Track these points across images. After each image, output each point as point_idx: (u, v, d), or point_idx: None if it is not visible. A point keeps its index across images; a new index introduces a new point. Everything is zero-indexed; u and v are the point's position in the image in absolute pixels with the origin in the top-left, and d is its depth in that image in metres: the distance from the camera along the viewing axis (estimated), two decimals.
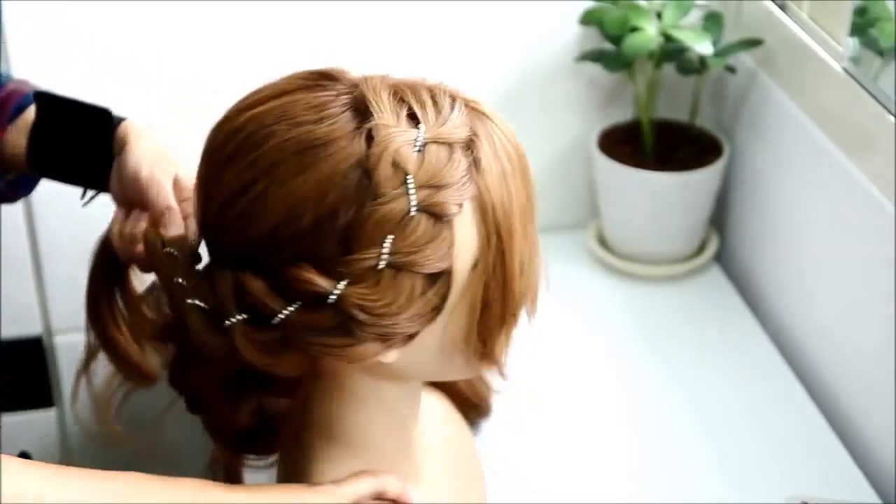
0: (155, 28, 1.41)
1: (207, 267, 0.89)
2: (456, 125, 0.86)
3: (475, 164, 0.85)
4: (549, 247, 0.96)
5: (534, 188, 0.90)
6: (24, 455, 1.30)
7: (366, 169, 0.83)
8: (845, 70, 1.29)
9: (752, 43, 1.46)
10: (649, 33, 1.44)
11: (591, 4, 1.50)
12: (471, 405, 1.21)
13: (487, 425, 1.26)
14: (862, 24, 1.26)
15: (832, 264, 1.35)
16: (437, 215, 0.84)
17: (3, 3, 1.36)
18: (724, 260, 1.59)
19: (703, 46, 1.43)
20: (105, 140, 1.08)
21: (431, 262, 0.84)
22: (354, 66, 0.92)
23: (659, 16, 1.46)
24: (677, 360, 1.42)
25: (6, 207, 1.34)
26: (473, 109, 0.88)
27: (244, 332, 0.86)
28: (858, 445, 1.30)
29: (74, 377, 1.07)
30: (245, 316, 0.86)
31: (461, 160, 0.85)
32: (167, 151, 1.06)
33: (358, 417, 0.94)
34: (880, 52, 1.25)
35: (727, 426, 1.33)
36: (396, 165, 0.83)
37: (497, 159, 0.86)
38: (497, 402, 1.28)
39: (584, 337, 1.45)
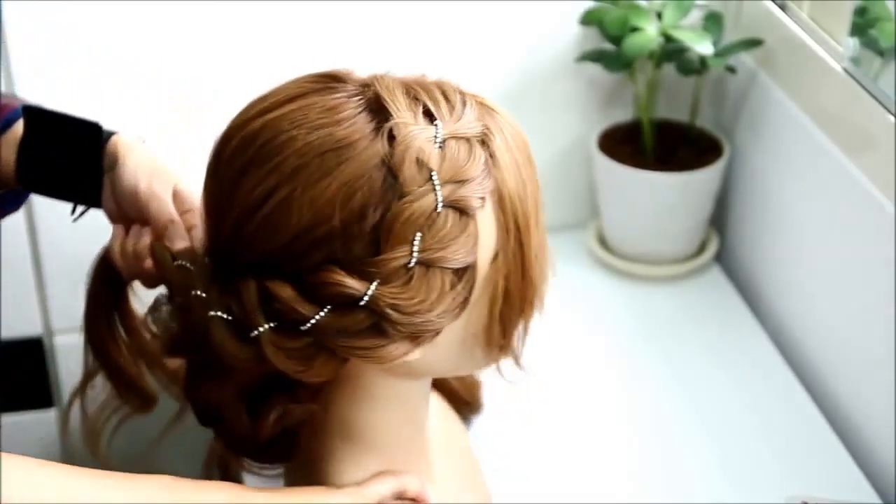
0: (155, 28, 1.41)
1: (227, 277, 0.87)
2: (470, 120, 0.87)
3: (491, 157, 0.86)
4: (550, 247, 0.96)
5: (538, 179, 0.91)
6: None
7: (390, 168, 0.83)
8: (845, 70, 1.29)
9: (752, 43, 1.46)
10: (649, 33, 1.44)
11: (591, 4, 1.50)
12: (462, 402, 1.21)
13: (487, 425, 1.26)
14: (862, 24, 1.26)
15: (832, 264, 1.35)
16: (463, 210, 0.85)
17: (2, 3, 1.36)
18: (724, 260, 1.59)
19: (703, 46, 1.43)
20: (95, 155, 1.07)
21: (460, 256, 0.85)
22: (354, 67, 0.92)
23: (659, 16, 1.46)
24: (677, 360, 1.42)
25: None
26: (481, 104, 0.89)
27: (273, 341, 0.85)
28: (858, 445, 1.30)
29: (69, 398, 1.07)
30: (273, 324, 0.85)
31: (481, 154, 0.86)
32: (162, 163, 1.06)
33: (374, 417, 0.94)
34: (880, 52, 1.25)
35: (727, 426, 1.33)
36: (421, 163, 0.83)
37: (509, 152, 0.88)
38: (496, 401, 1.28)
39: (584, 337, 1.45)
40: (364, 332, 0.85)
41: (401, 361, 0.87)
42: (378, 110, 0.85)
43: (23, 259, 1.48)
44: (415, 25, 1.47)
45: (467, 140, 0.86)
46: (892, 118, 1.21)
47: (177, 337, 0.91)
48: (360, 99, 0.86)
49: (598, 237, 1.59)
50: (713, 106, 1.58)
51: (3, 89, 1.38)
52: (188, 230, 1.02)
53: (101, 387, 1.07)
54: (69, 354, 1.54)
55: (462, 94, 0.89)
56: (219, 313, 0.86)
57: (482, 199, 0.85)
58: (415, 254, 0.83)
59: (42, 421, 1.58)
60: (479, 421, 1.28)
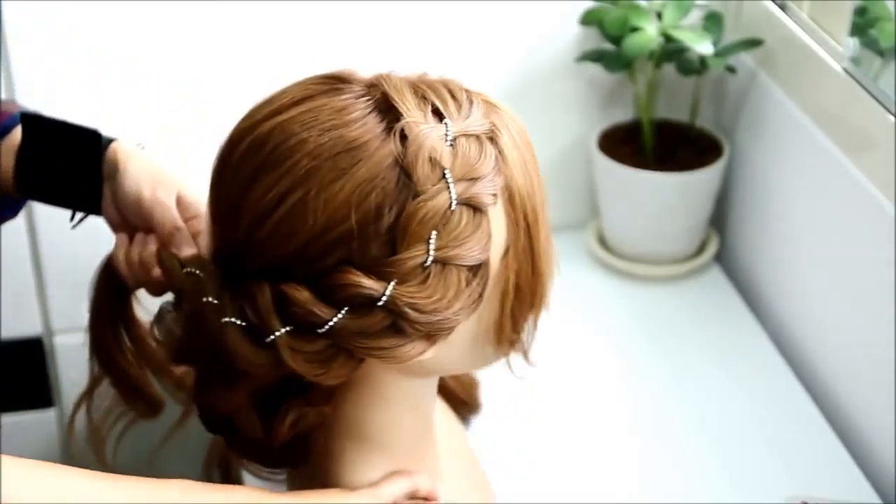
0: (155, 28, 1.41)
1: (238, 283, 0.87)
2: (478, 118, 0.87)
3: (500, 154, 0.87)
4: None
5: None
6: None
7: (403, 167, 0.83)
8: (845, 70, 1.29)
9: (752, 43, 1.46)
10: (649, 33, 1.44)
11: (591, 4, 1.50)
12: (460, 402, 1.21)
13: (486, 425, 1.26)
14: (862, 24, 1.26)
15: (832, 264, 1.35)
16: (476, 207, 0.85)
17: (2, 3, 1.36)
18: (724, 260, 1.59)
19: (703, 46, 1.43)
20: (94, 162, 1.06)
21: (474, 253, 0.85)
22: (355, 67, 0.92)
23: (659, 16, 1.46)
24: (677, 360, 1.42)
25: None
26: (486, 102, 0.90)
27: (290, 344, 0.84)
28: (858, 445, 1.30)
29: (74, 404, 1.06)
30: (289, 328, 0.85)
31: (491, 151, 0.86)
32: (163, 170, 1.05)
33: (385, 417, 0.94)
34: (880, 52, 1.25)
35: (727, 426, 1.33)
36: (434, 161, 0.84)
37: (516, 147, 0.88)
38: (495, 401, 1.28)
39: (584, 337, 1.45)
40: (382, 332, 0.85)
41: (417, 360, 0.87)
42: (387, 110, 0.86)
43: (23, 259, 1.48)
44: (415, 25, 1.47)
45: (477, 137, 0.86)
46: (892, 118, 1.21)
47: (184, 345, 0.90)
48: (369, 99, 0.86)
49: (598, 237, 1.59)
50: (713, 106, 1.58)
51: (3, 89, 1.38)
52: (194, 237, 1.02)
53: (104, 390, 1.07)
54: (69, 354, 1.54)
55: (467, 91, 0.89)
56: (232, 319, 0.85)
57: (494, 195, 0.86)
58: (431, 252, 0.83)
59: (42, 421, 1.58)
60: (477, 421, 1.28)
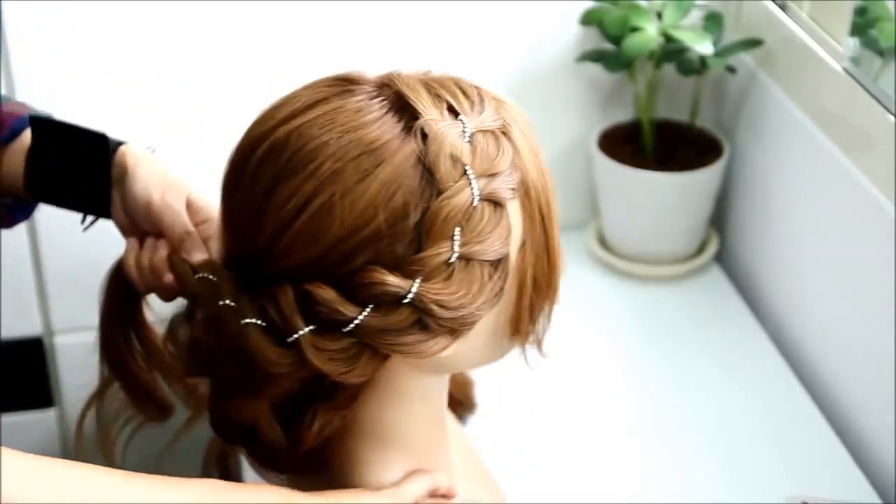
0: (155, 28, 1.41)
1: (256, 285, 0.86)
2: (490, 113, 0.88)
3: (514, 149, 0.87)
4: None
5: None
6: None
7: (426, 166, 0.83)
8: (845, 70, 1.29)
9: (752, 43, 1.46)
10: (649, 33, 1.44)
11: (591, 4, 1.50)
12: (456, 402, 1.21)
13: (488, 424, 1.26)
14: (862, 24, 1.26)
15: (832, 264, 1.35)
16: (497, 202, 0.86)
17: (2, 3, 1.36)
18: (724, 260, 1.59)
19: (703, 46, 1.43)
20: (103, 166, 1.06)
21: (496, 247, 0.86)
22: (356, 67, 0.92)
23: (659, 16, 1.46)
24: (677, 360, 1.42)
25: None
26: (493, 97, 0.90)
27: (314, 343, 0.84)
28: (858, 445, 1.30)
29: (81, 409, 1.06)
30: (313, 327, 0.84)
31: (508, 146, 0.87)
32: (173, 173, 1.05)
33: (402, 416, 0.94)
34: (880, 52, 1.25)
35: (727, 426, 1.33)
36: (455, 158, 0.84)
37: (527, 141, 0.89)
38: (493, 401, 1.28)
39: (584, 337, 1.45)
40: (407, 329, 0.85)
41: (438, 356, 0.87)
42: (402, 109, 0.86)
43: (23, 259, 1.48)
44: (415, 25, 1.47)
45: (493, 133, 0.87)
46: (892, 118, 1.21)
47: (200, 353, 0.89)
48: (383, 100, 0.86)
49: (598, 237, 1.59)
50: (713, 106, 1.58)
51: (4, 89, 1.38)
52: (205, 241, 1.02)
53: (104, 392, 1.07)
54: (69, 354, 1.54)
55: (476, 87, 0.90)
56: (253, 320, 0.85)
57: (513, 189, 0.87)
58: (456, 249, 0.84)
59: (42, 421, 1.58)
60: (477, 420, 1.28)
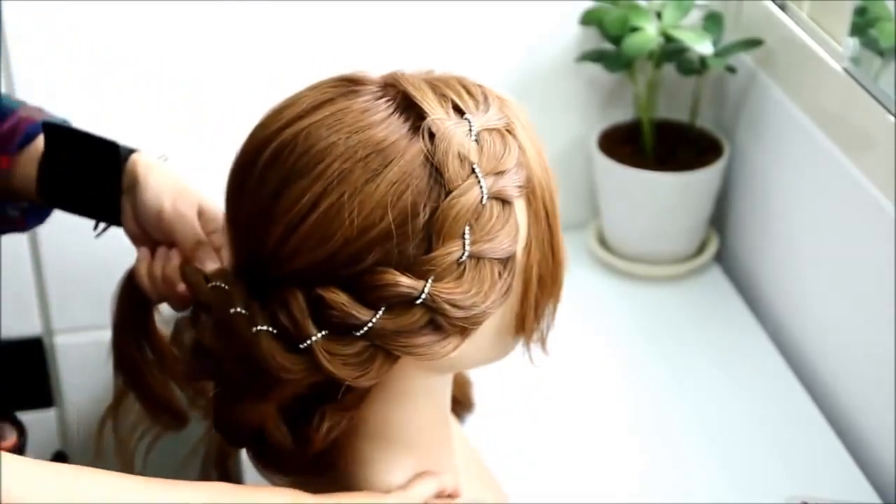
0: (155, 28, 1.41)
1: (266, 291, 0.86)
2: (495, 112, 0.88)
3: (519, 147, 0.88)
4: None
5: None
6: (60, 455, 1.30)
7: (434, 165, 0.84)
8: (845, 70, 1.29)
9: (752, 43, 1.46)
10: (649, 33, 1.44)
11: (591, 4, 1.50)
12: (454, 401, 1.21)
13: (488, 424, 1.26)
14: (862, 24, 1.26)
15: (832, 264, 1.35)
16: (505, 200, 0.86)
17: (2, 3, 1.36)
18: (724, 260, 1.59)
19: (703, 46, 1.43)
20: (114, 174, 1.06)
21: (505, 245, 0.86)
22: (356, 67, 0.92)
23: (659, 16, 1.46)
24: (677, 360, 1.42)
25: None
26: (496, 96, 0.90)
27: (327, 348, 0.84)
28: (858, 445, 1.30)
29: (98, 423, 1.06)
30: (325, 332, 0.84)
31: (513, 144, 0.87)
32: (184, 182, 1.05)
33: (408, 415, 0.94)
34: (880, 52, 1.25)
35: (727, 426, 1.33)
36: (463, 157, 0.84)
37: (530, 139, 0.89)
38: (492, 400, 1.28)
39: (584, 337, 1.45)
40: (420, 330, 0.85)
41: (450, 356, 0.87)
42: (409, 109, 0.86)
43: (23, 259, 1.48)
44: (415, 25, 1.47)
45: (498, 131, 0.87)
46: (892, 118, 1.21)
47: (207, 359, 0.89)
48: (389, 100, 0.86)
49: (598, 237, 1.59)
50: (713, 106, 1.58)
51: (4, 89, 1.38)
52: (216, 250, 1.02)
53: (104, 390, 1.07)
54: (69, 354, 1.54)
55: (479, 86, 0.90)
56: (265, 327, 0.85)
57: (520, 187, 0.87)
58: (466, 248, 0.84)
59: (42, 421, 1.57)
60: (477, 420, 1.28)
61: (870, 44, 1.26)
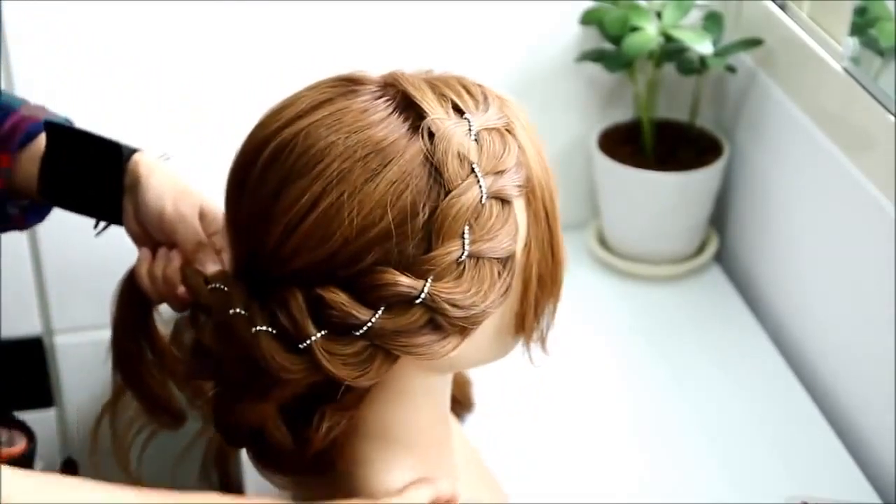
0: (155, 28, 1.41)
1: (266, 291, 0.86)
2: (494, 111, 0.88)
3: (519, 147, 0.88)
4: None
5: None
6: (69, 461, 1.30)
7: (434, 164, 0.84)
8: (845, 70, 1.29)
9: (752, 43, 1.46)
10: (649, 33, 1.44)
11: (591, 4, 1.50)
12: (454, 401, 1.21)
13: (488, 424, 1.26)
14: (862, 24, 1.26)
15: (832, 264, 1.35)
16: (504, 199, 0.86)
17: (2, 3, 1.36)
18: (724, 260, 1.59)
19: (703, 46, 1.43)
20: (116, 174, 1.06)
21: (505, 245, 0.86)
22: (356, 67, 0.92)
23: (659, 16, 1.46)
24: (677, 360, 1.42)
25: None
26: (496, 96, 0.90)
27: (326, 348, 0.84)
28: (858, 445, 1.30)
29: (96, 418, 1.06)
30: (324, 332, 0.84)
31: (513, 144, 0.87)
32: (185, 183, 1.05)
33: (407, 416, 0.94)
34: (880, 52, 1.25)
35: (727, 426, 1.33)
36: (462, 157, 0.84)
37: (530, 139, 0.89)
38: (492, 400, 1.28)
39: (584, 337, 1.45)
40: (420, 330, 0.85)
41: (450, 355, 0.87)
42: (408, 108, 0.86)
43: (23, 259, 1.48)
44: (415, 25, 1.47)
45: (498, 131, 0.87)
46: (892, 118, 1.21)
47: (205, 358, 0.89)
48: (388, 100, 0.87)
49: (598, 237, 1.59)
50: (713, 106, 1.58)
51: (4, 89, 1.38)
52: (217, 252, 1.02)
53: (104, 390, 1.07)
54: (69, 354, 1.54)
55: (479, 86, 0.90)
56: (264, 328, 0.85)
57: (519, 187, 0.87)
58: (466, 247, 0.84)
59: (42, 421, 1.57)
60: (477, 420, 1.28)
61: (870, 44, 1.26)
